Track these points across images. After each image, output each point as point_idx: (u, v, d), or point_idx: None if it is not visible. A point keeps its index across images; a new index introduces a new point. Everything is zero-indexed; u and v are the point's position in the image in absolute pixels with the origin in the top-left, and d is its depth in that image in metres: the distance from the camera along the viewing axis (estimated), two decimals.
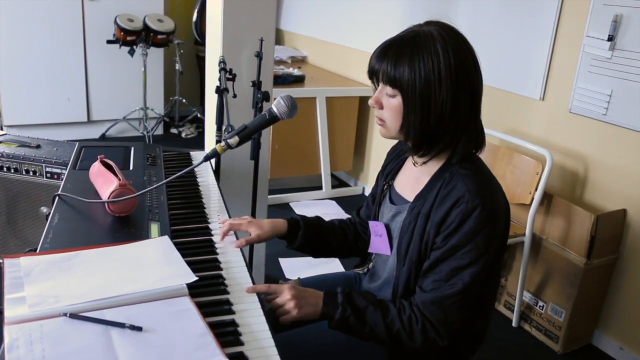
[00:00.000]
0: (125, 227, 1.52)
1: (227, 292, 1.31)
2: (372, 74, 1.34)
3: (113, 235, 1.48)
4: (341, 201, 4.18)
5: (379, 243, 1.52)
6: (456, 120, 1.30)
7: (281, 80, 3.93)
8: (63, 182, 1.81)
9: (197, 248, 1.50)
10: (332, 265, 3.25)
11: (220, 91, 1.88)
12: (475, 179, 1.31)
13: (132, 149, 2.11)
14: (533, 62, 2.83)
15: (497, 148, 2.84)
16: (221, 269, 1.41)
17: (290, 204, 4.07)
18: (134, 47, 4.64)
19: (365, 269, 1.66)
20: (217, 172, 2.18)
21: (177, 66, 5.12)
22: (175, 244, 1.48)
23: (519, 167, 2.70)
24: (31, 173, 2.63)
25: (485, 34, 3.04)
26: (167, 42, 4.81)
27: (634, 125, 2.39)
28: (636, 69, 2.35)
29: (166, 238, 1.44)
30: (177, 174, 1.49)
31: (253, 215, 2.61)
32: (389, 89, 1.30)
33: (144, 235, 1.47)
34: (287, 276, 3.14)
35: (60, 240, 1.42)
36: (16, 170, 2.68)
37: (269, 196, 4.00)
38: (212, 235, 1.57)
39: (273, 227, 1.58)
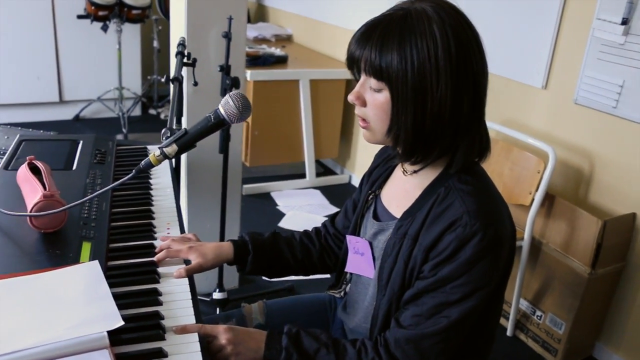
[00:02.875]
0: (50, 246, 1.26)
1: (162, 338, 1.06)
2: (352, 62, 1.08)
3: (33, 259, 1.23)
4: (326, 190, 3.93)
5: (359, 262, 1.27)
6: (457, 121, 1.04)
7: (261, 61, 3.65)
8: None
9: (135, 274, 1.25)
10: None
11: (171, 80, 1.60)
12: (477, 197, 1.06)
13: (81, 143, 1.85)
14: (535, 46, 2.55)
15: (494, 142, 2.57)
16: (160, 304, 1.15)
17: (272, 193, 3.82)
18: (107, 22, 4.34)
19: (342, 293, 1.42)
20: (176, 169, 1.92)
21: (155, 43, 4.82)
22: (111, 269, 1.25)
23: (519, 163, 2.45)
24: None
25: (482, 12, 2.76)
26: (143, 18, 4.50)
27: None
28: None
29: (95, 264, 1.18)
30: (103, 189, 1.24)
31: (223, 213, 2.36)
32: (373, 82, 1.05)
33: (71, 258, 1.22)
34: None
35: None
36: None
37: (247, 185, 3.78)
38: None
39: (218, 254, 1.34)
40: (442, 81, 1.00)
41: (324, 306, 1.47)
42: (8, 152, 1.78)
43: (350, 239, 1.29)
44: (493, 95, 1.13)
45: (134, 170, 1.16)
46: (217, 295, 2.43)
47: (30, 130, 2.61)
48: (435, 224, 1.06)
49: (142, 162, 1.14)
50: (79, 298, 1.08)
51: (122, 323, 1.02)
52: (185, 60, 1.78)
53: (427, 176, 1.13)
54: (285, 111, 3.77)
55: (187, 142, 1.13)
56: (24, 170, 1.44)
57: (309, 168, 3.94)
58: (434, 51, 0.99)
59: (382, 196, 1.26)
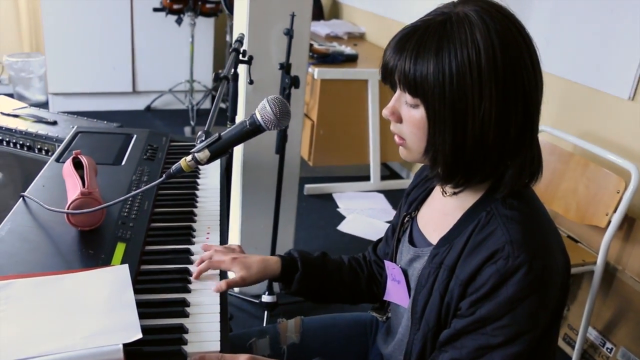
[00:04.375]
0: (84, 246, 1.23)
1: (183, 358, 0.99)
2: (386, 73, 0.97)
3: (64, 258, 1.20)
4: (390, 195, 3.81)
5: (395, 291, 1.16)
6: (504, 141, 0.92)
7: (330, 59, 3.56)
8: (38, 177, 1.54)
9: (165, 281, 1.20)
10: None
11: (220, 79, 1.54)
12: (523, 225, 0.93)
13: (134, 138, 1.83)
14: (623, 53, 2.34)
15: (569, 155, 2.38)
16: (186, 316, 1.09)
17: (334, 195, 3.73)
18: (181, 15, 4.37)
19: (385, 317, 1.31)
20: (227, 169, 1.86)
21: (228, 37, 4.82)
22: (142, 273, 1.20)
23: (596, 181, 2.25)
24: (44, 152, 2.41)
25: (564, 16, 2.56)
26: (216, 12, 4.52)
27: None
28: None
29: (125, 268, 1.14)
30: (129, 195, 1.19)
31: (277, 215, 2.30)
32: (408, 97, 0.94)
33: (103, 259, 1.18)
34: None
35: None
36: (30, 147, 2.47)
37: (309, 185, 3.71)
38: (190, 263, 1.25)
39: (263, 268, 1.24)
40: (486, 97, 0.88)
41: (365, 328, 1.37)
42: (63, 143, 1.78)
43: (387, 265, 1.19)
44: (571, 105, 0.99)
45: (164, 175, 1.10)
46: (266, 298, 2.38)
47: (96, 120, 2.65)
48: (474, 254, 0.94)
49: (173, 167, 1.08)
50: (101, 304, 1.04)
51: (140, 336, 0.96)
52: (240, 57, 1.72)
53: (469, 198, 1.01)
54: (352, 111, 3.67)
55: (220, 148, 1.06)
56: (68, 165, 1.42)
57: (374, 171, 3.83)
58: (476, 62, 0.87)
59: (419, 219, 1.15)
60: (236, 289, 2.53)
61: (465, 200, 1.02)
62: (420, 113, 0.93)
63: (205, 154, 1.06)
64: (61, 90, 4.58)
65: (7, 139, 2.47)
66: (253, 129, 1.05)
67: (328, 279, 1.29)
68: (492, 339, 0.92)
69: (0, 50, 4.74)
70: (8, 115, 2.45)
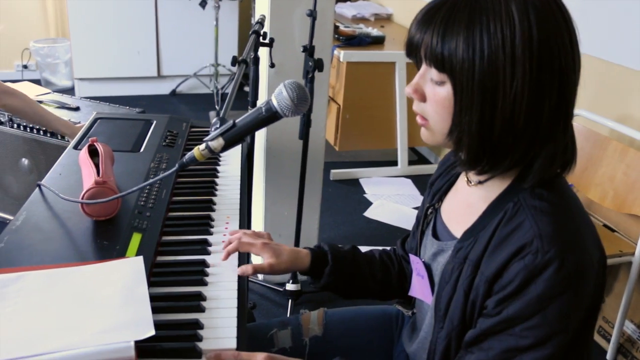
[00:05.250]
0: (98, 236, 1.20)
1: (197, 357, 0.94)
2: (411, 48, 0.91)
3: (78, 250, 1.16)
4: (418, 180, 3.72)
5: (420, 286, 1.10)
6: (535, 125, 0.85)
7: (357, 42, 3.48)
8: (56, 164, 1.51)
9: (182, 273, 1.15)
10: None
11: (239, 62, 1.47)
12: (554, 217, 0.86)
13: (154, 123, 1.79)
14: None
15: (606, 140, 2.27)
16: (202, 310, 1.04)
17: (360, 180, 3.66)
18: None
19: (410, 312, 1.25)
20: (249, 156, 1.81)
21: (253, 20, 4.75)
22: (158, 265, 1.16)
23: (635, 167, 2.14)
24: (66, 138, 2.40)
25: None
26: None
27: None
28: None
29: (139, 260, 1.10)
30: (138, 187, 1.14)
31: (301, 202, 2.24)
32: (434, 73, 0.87)
33: (117, 251, 1.14)
34: None
35: (12, 250, 1.12)
36: (52, 134, 2.46)
37: (335, 170, 3.64)
38: (208, 254, 1.20)
39: (294, 259, 1.18)
40: (519, 76, 0.81)
41: (390, 322, 1.31)
42: (81, 130, 1.75)
43: (412, 259, 1.12)
44: (609, 87, 0.91)
45: (177, 165, 1.05)
46: (290, 286, 2.34)
47: (118, 106, 2.63)
48: (501, 248, 0.87)
49: (186, 156, 1.03)
50: (113, 298, 1.00)
51: (152, 333, 0.92)
52: (261, 40, 1.66)
53: (495, 188, 0.94)
54: (379, 95, 3.59)
55: (234, 136, 1.00)
56: (83, 153, 1.38)
57: (402, 155, 3.74)
58: (510, 37, 0.81)
59: (442, 210, 1.08)
60: (260, 276, 2.49)
61: (491, 191, 0.95)
62: (446, 91, 0.87)
63: (219, 142, 1.01)
64: (86, 76, 4.57)
65: (31, 125, 2.46)
66: (269, 116, 0.99)
67: (358, 273, 1.23)
68: (520, 341, 0.85)
69: (27, 36, 4.75)
70: None
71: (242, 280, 1.13)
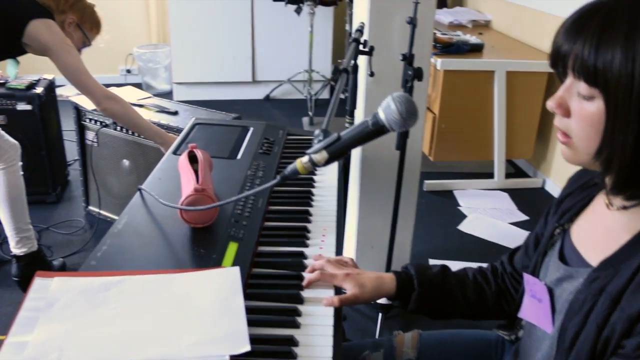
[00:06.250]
0: (195, 244, 1.19)
1: None
2: (557, 58, 0.83)
3: (175, 256, 1.17)
4: (515, 194, 3.56)
5: (535, 310, 1.01)
6: None
7: (455, 49, 3.37)
8: (155, 169, 1.54)
9: (278, 286, 1.12)
10: None
11: (340, 72, 1.44)
12: None
13: (250, 130, 1.79)
14: None
15: None
16: (297, 326, 1.01)
17: (454, 192, 3.55)
18: (301, 5, 4.34)
19: (513, 337, 1.17)
20: (345, 167, 1.77)
21: (347, 27, 4.74)
22: (253, 277, 1.14)
23: None
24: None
25: None
26: (336, 1, 4.45)
27: None
28: None
29: (236, 271, 1.08)
30: (247, 192, 1.11)
31: (395, 214, 2.18)
32: (583, 87, 0.79)
33: (214, 260, 1.13)
34: None
35: (114, 254, 1.14)
36: None
37: (429, 181, 3.55)
38: (303, 269, 1.17)
39: (378, 287, 1.14)
40: None
41: (489, 348, 1.22)
42: (180, 135, 1.78)
43: (527, 279, 1.03)
44: None
45: (278, 177, 1.02)
46: (381, 300, 2.27)
47: (214, 111, 2.67)
48: None
49: (288, 168, 1.00)
50: (209, 309, 0.99)
51: (248, 348, 0.90)
52: (361, 48, 1.62)
53: None
54: (476, 104, 3.46)
55: (339, 150, 0.96)
56: (183, 159, 1.39)
57: (498, 168, 3.59)
58: None
59: (573, 232, 0.98)
60: None
61: (636, 219, 0.85)
62: (595, 107, 0.79)
63: (323, 155, 0.97)
64: (184, 80, 4.73)
65: None
66: (376, 130, 0.94)
67: (449, 297, 1.16)
68: None
69: (131, 42, 4.97)
70: (134, 105, 2.52)
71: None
